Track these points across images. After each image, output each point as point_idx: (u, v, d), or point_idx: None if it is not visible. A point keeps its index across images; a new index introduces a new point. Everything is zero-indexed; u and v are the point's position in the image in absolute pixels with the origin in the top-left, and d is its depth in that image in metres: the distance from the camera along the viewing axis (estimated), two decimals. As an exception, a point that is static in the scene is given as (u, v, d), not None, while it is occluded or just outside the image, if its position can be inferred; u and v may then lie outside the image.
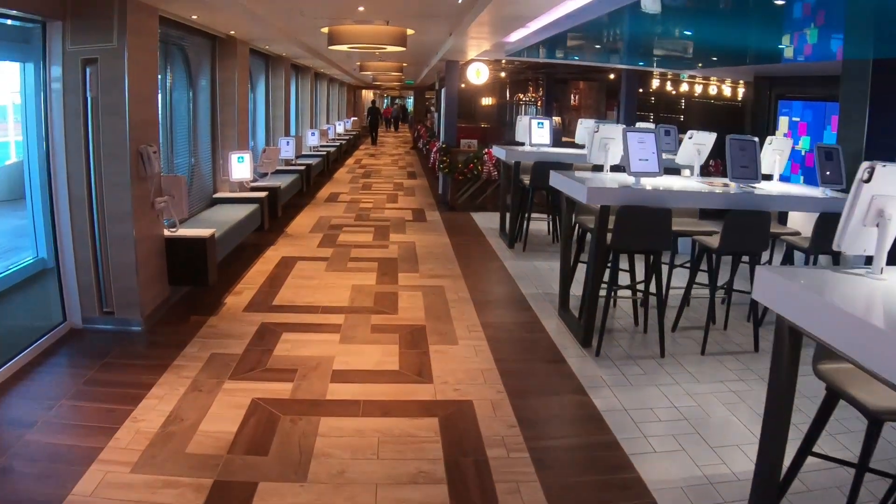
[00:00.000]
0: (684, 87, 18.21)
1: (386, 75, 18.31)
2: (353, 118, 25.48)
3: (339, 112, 23.67)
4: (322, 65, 13.76)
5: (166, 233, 5.23)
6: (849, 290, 2.23)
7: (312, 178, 11.87)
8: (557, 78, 20.10)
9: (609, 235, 4.49)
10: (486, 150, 10.15)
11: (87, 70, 4.40)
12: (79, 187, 4.55)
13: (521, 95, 21.87)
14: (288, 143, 10.42)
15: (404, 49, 8.30)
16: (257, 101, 10.31)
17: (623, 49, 9.58)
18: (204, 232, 5.32)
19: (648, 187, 4.53)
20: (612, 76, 17.69)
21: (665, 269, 5.17)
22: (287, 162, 10.79)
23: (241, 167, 7.38)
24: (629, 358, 4.55)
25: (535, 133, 7.74)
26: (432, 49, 10.65)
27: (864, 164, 2.20)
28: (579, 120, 8.57)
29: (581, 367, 4.36)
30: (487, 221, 9.53)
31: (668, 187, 4.65)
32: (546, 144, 7.77)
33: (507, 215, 8.24)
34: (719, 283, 4.83)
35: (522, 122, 8.33)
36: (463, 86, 19.22)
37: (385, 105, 41.10)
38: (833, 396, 2.37)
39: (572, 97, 21.46)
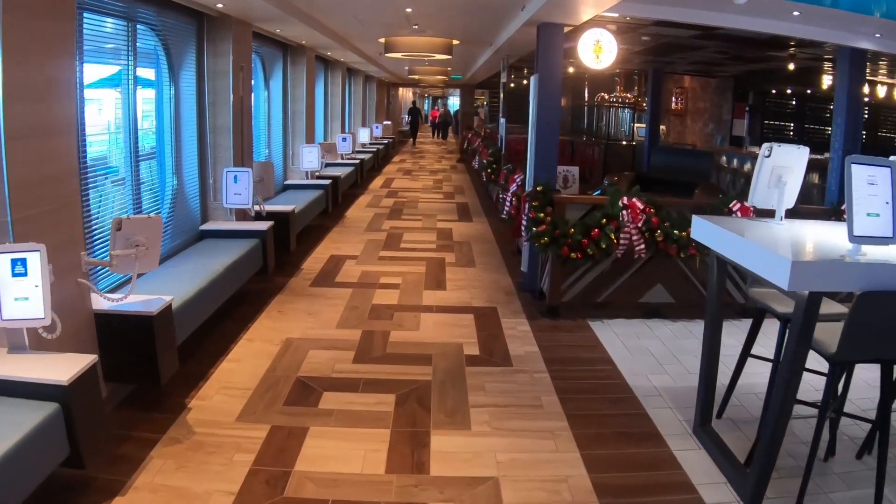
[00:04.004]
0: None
1: (426, 63, 13.26)
2: (385, 122, 20.50)
3: (367, 115, 18.74)
4: (327, 42, 8.80)
5: None
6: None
7: (296, 234, 6.91)
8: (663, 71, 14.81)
9: None
10: (626, 199, 5.10)
11: None
12: None
13: (606, 95, 16.58)
14: (236, 179, 5.42)
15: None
16: (206, 104, 5.39)
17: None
18: None
19: None
20: (781, 65, 12.31)
21: None
22: (243, 215, 5.82)
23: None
24: None
25: (861, 205, 2.65)
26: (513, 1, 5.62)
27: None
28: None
29: None
30: (637, 354, 4.47)
31: None
32: (882, 237, 2.69)
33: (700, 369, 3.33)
34: None
35: (784, 161, 3.19)
36: (572, 67, 13.59)
37: (427, 107, 37.18)
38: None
39: (673, 99, 16.13)
